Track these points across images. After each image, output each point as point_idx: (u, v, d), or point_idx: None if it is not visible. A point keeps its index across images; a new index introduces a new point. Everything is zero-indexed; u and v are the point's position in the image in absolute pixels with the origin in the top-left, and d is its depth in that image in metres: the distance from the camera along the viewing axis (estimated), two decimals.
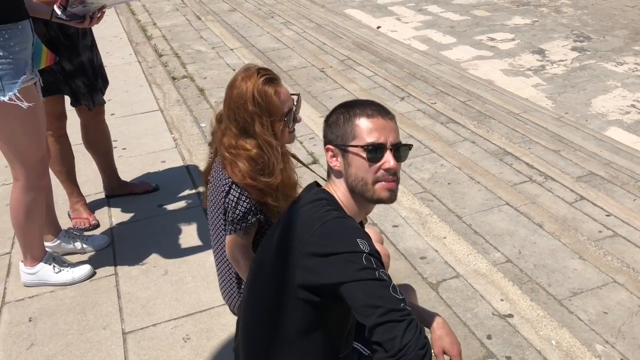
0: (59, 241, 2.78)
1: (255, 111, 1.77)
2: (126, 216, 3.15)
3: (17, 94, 2.21)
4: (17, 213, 2.46)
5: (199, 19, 7.27)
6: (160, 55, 5.91)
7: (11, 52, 2.19)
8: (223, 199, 1.83)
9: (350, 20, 7.28)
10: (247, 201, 1.80)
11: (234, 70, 5.45)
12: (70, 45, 2.76)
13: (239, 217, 1.81)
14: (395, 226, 3.03)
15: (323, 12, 7.60)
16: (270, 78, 1.80)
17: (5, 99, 2.20)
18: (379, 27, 7.02)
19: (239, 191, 1.80)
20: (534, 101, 4.82)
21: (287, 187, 1.86)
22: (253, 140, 1.79)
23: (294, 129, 1.89)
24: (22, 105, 2.22)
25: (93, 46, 2.92)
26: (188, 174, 3.57)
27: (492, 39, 6.47)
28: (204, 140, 4.00)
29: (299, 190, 1.96)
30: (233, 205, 1.81)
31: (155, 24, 7.10)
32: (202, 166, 3.63)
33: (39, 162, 2.42)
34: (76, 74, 2.82)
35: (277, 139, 1.80)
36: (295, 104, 1.87)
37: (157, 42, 6.34)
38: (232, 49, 6.05)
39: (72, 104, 2.94)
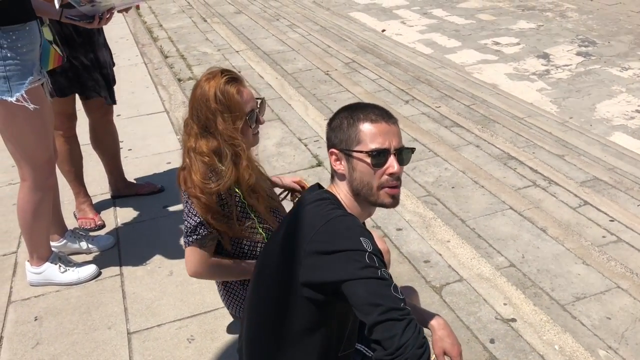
0: (65, 241, 2.80)
1: (218, 108, 1.79)
2: (131, 217, 3.16)
3: (24, 95, 2.23)
4: (24, 213, 2.48)
5: (205, 21, 7.30)
6: (166, 57, 5.94)
7: (18, 54, 2.21)
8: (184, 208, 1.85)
9: (355, 23, 7.30)
10: (197, 214, 1.80)
11: (239, 72, 5.45)
12: (84, 42, 2.79)
13: (190, 229, 1.81)
14: (399, 229, 3.04)
15: (328, 15, 7.62)
16: (233, 78, 1.83)
17: (13, 99, 2.22)
18: (383, 31, 7.03)
19: (191, 203, 1.81)
20: (538, 105, 4.82)
21: (246, 186, 1.85)
22: (212, 140, 1.80)
23: (257, 131, 1.92)
24: (29, 107, 2.24)
25: (106, 45, 2.95)
26: None
27: (497, 43, 6.48)
28: None
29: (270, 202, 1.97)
30: (185, 216, 1.83)
31: (161, 25, 7.14)
32: None
33: (46, 162, 2.44)
34: (90, 70, 2.85)
35: (236, 139, 1.82)
36: (258, 106, 1.90)
37: (163, 44, 6.37)
38: (237, 51, 6.07)
39: (87, 96, 2.94)
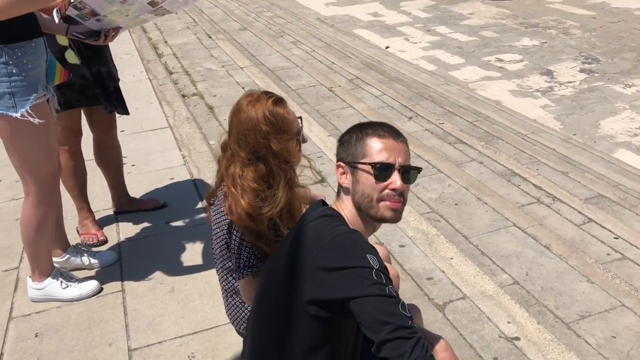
0: (67, 256, 2.79)
1: (270, 130, 1.73)
2: (134, 232, 3.16)
3: (29, 111, 2.24)
4: (27, 228, 2.48)
5: (210, 37, 7.35)
6: (171, 73, 5.98)
7: (24, 70, 2.23)
8: (225, 236, 1.81)
9: (359, 40, 7.34)
10: (249, 246, 1.77)
11: (243, 88, 5.49)
12: (92, 56, 2.81)
13: (244, 263, 1.78)
14: (402, 246, 3.03)
15: (332, 31, 7.66)
16: (279, 99, 1.80)
17: (18, 115, 2.23)
18: (387, 47, 7.06)
19: (239, 236, 1.77)
20: (542, 122, 4.82)
21: (292, 212, 1.82)
22: (261, 165, 1.75)
23: (300, 148, 1.89)
24: (34, 122, 2.26)
25: (111, 60, 2.98)
26: (196, 191, 3.59)
27: (501, 60, 6.49)
28: (213, 157, 4.02)
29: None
30: (236, 251, 1.78)
31: (166, 42, 7.19)
32: (210, 183, 3.65)
33: (50, 177, 2.44)
34: (94, 83, 2.87)
35: (293, 157, 1.79)
36: (301, 124, 1.88)
37: (168, 60, 6.42)
38: (241, 68, 6.11)
39: (91, 108, 2.95)
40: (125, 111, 3.07)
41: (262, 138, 1.74)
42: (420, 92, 5.32)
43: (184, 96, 5.30)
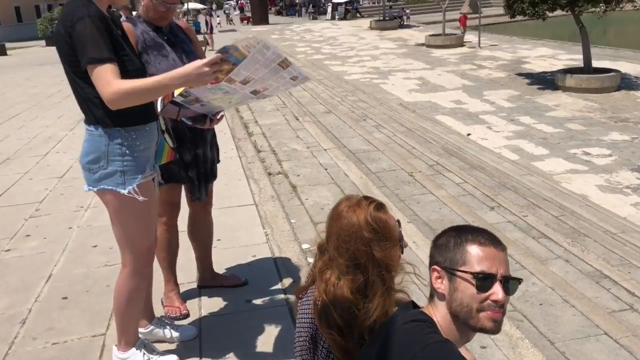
0: (152, 328, 2.89)
1: (372, 238, 1.67)
2: (215, 309, 3.24)
3: (135, 189, 2.42)
4: (120, 297, 2.61)
5: (297, 119, 7.69)
6: (259, 152, 6.26)
7: (136, 151, 2.42)
8: (308, 339, 1.78)
9: (441, 126, 7.43)
10: (336, 358, 1.73)
11: (325, 169, 5.65)
12: (193, 139, 3.02)
13: None
14: (484, 347, 2.92)
15: (414, 117, 7.81)
16: (380, 204, 1.76)
17: (125, 192, 2.41)
18: (469, 135, 7.09)
19: (327, 347, 1.73)
20: (633, 221, 4.61)
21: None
22: (359, 274, 1.70)
23: (402, 255, 1.82)
24: (138, 199, 2.43)
25: (213, 143, 3.17)
26: (277, 270, 3.66)
27: (587, 154, 6.34)
28: (294, 237, 4.12)
29: None
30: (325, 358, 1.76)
31: (256, 121, 7.59)
32: (291, 262, 3.72)
33: (146, 250, 2.59)
34: (192, 165, 3.06)
35: (395, 265, 1.73)
36: (400, 228, 1.82)
37: (257, 139, 6.74)
38: (325, 149, 6.31)
39: (192, 197, 3.12)
40: (201, 195, 3.16)
41: (364, 245, 1.68)
42: (502, 181, 5.26)
43: (269, 174, 5.51)
